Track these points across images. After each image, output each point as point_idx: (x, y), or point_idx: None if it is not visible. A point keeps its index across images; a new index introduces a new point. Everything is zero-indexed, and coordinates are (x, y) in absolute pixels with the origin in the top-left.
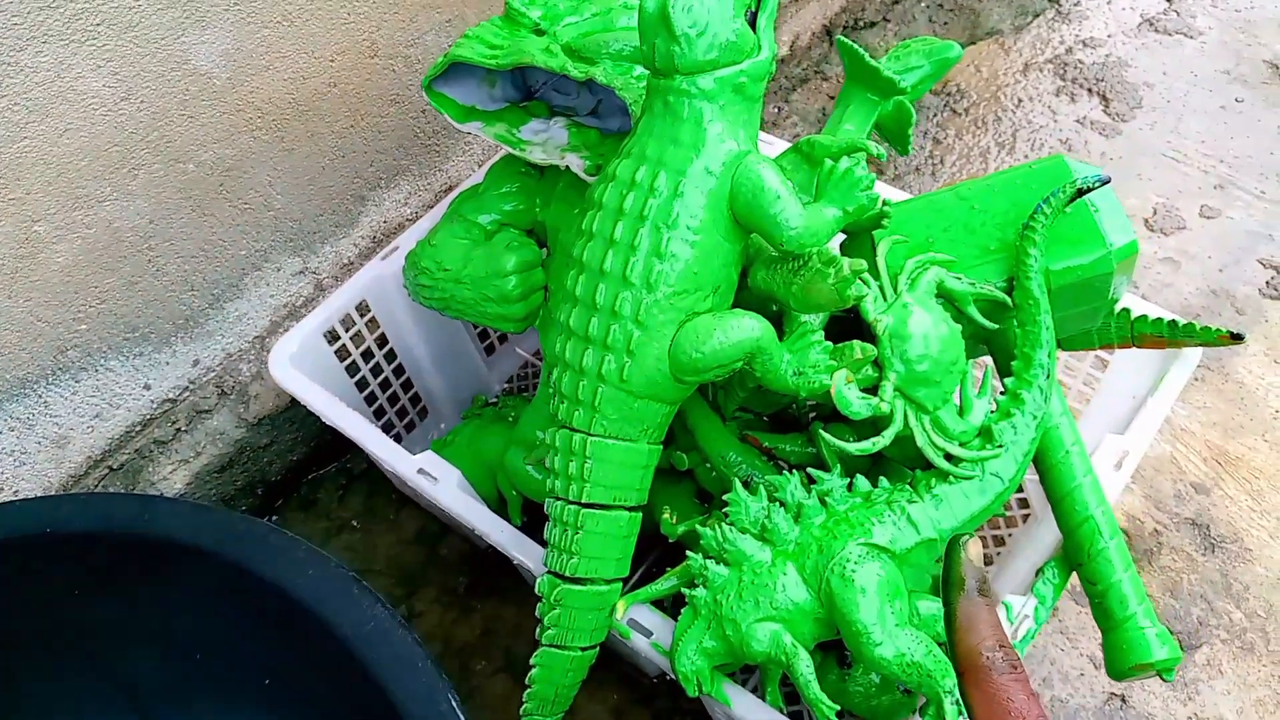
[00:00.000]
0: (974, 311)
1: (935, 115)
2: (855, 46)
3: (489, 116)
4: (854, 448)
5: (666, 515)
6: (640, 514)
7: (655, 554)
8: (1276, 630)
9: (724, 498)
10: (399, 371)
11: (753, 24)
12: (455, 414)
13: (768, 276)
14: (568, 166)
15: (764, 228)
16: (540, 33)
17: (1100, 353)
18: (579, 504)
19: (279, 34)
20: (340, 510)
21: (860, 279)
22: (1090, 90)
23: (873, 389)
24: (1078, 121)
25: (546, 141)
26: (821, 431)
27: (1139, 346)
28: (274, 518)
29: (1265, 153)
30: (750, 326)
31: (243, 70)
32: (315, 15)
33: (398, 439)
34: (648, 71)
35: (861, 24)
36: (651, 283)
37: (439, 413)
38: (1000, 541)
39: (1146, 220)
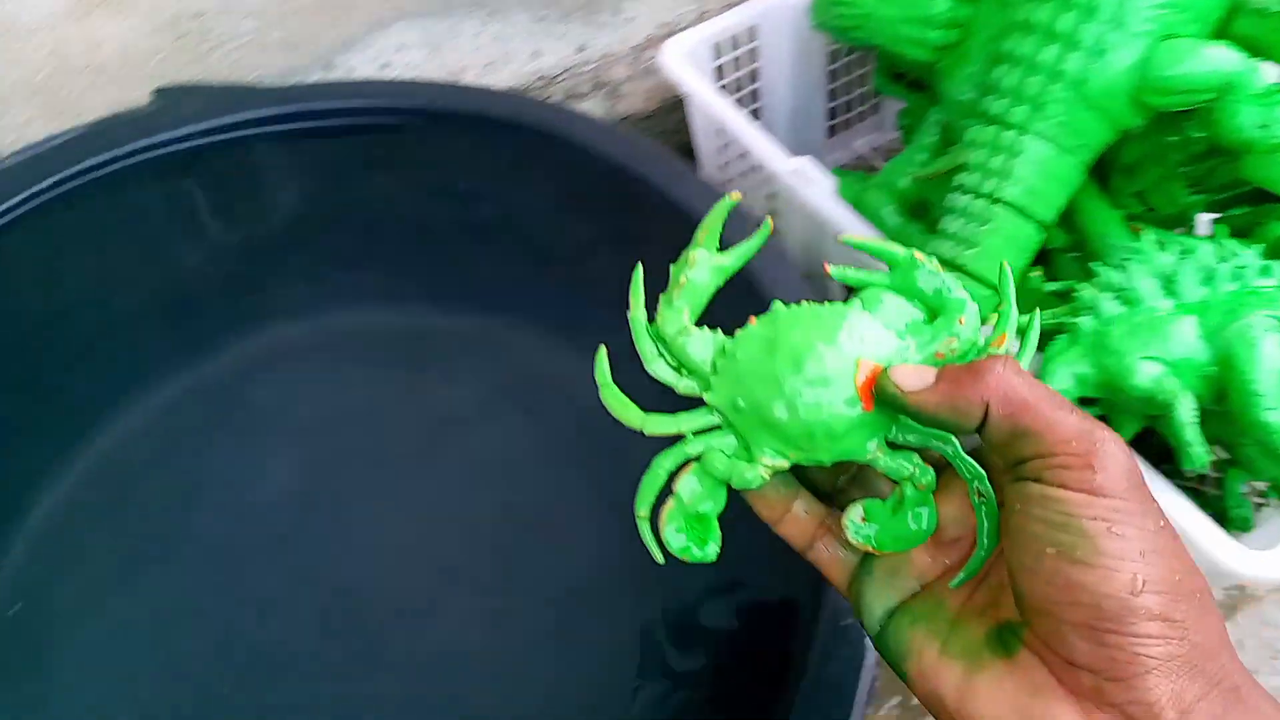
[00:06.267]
0: None
1: None
2: None
3: None
4: None
5: (1037, 273)
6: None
7: None
8: None
9: (1127, 245)
10: (754, 116)
11: None
12: None
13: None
14: None
15: None
16: None
17: None
18: (990, 198)
19: None
20: None
21: None
22: None
23: None
24: None
25: None
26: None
27: None
28: None
29: None
30: (1232, 58)
31: None
32: None
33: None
34: None
35: None
36: None
37: None
38: None
39: None
